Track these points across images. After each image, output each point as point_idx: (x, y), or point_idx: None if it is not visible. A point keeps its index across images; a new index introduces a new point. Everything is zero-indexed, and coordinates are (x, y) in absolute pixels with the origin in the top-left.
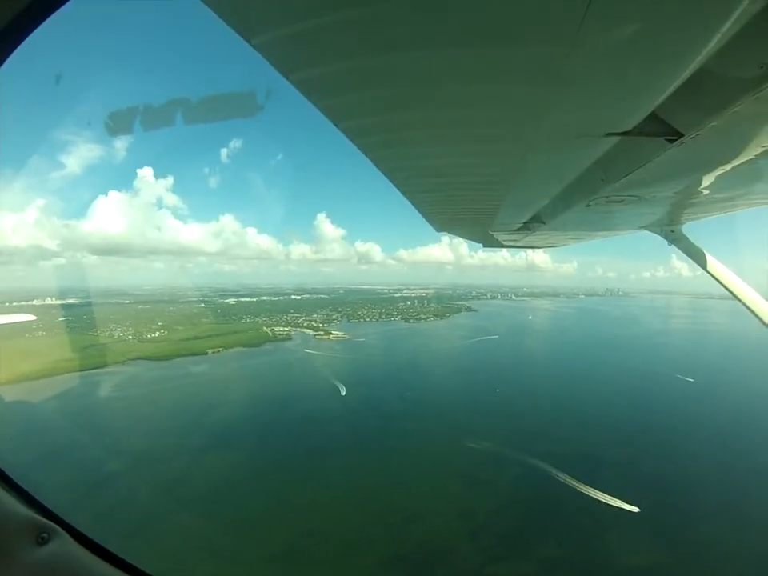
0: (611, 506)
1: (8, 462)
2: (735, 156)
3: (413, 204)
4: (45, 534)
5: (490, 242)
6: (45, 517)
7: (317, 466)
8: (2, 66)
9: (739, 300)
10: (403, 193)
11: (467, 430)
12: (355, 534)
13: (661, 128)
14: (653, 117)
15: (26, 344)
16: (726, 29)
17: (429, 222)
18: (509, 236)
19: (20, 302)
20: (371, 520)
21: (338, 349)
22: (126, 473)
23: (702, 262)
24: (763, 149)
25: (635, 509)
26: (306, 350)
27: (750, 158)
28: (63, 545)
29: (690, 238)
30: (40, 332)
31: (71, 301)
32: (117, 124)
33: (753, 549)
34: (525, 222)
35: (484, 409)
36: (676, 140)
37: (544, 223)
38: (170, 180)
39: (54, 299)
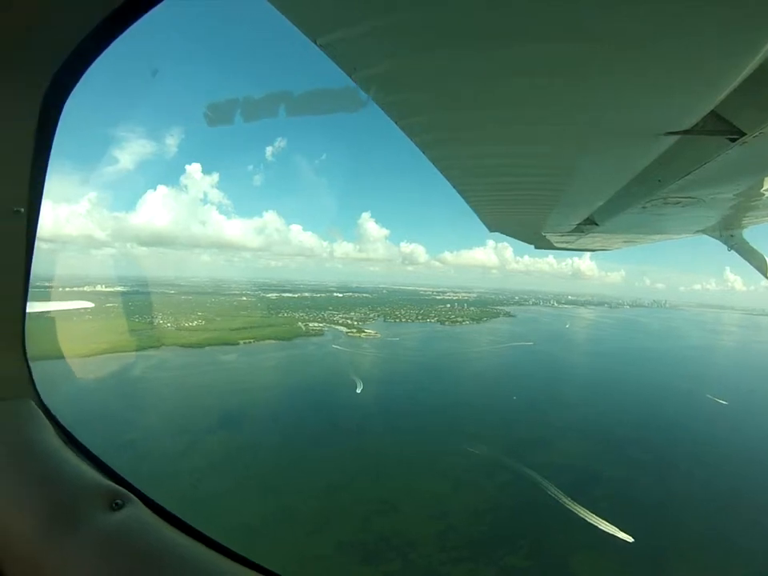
0: (602, 530)
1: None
2: None
3: (468, 203)
4: (118, 500)
5: (542, 244)
6: (116, 483)
7: (308, 453)
8: (89, 67)
9: None
10: (459, 191)
11: (470, 433)
12: (324, 518)
13: (722, 126)
14: (714, 115)
15: (73, 327)
16: None
17: (482, 221)
18: (561, 238)
19: (72, 287)
20: (344, 507)
21: (366, 347)
22: (135, 442)
23: (763, 269)
24: None
25: (629, 538)
26: (334, 346)
27: None
28: (136, 511)
29: (752, 244)
30: (87, 316)
31: (118, 289)
32: (216, 115)
33: None
34: (578, 224)
35: (493, 414)
36: (738, 139)
37: (597, 225)
38: (216, 176)
39: (103, 286)
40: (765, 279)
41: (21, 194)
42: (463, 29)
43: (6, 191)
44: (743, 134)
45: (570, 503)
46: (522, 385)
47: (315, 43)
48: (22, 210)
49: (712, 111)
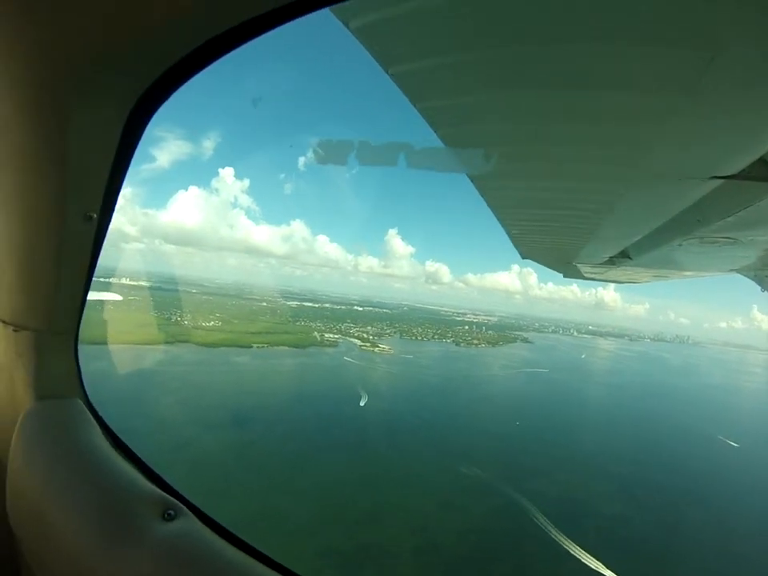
0: (587, 565)
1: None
2: None
3: (506, 231)
4: (171, 511)
5: (571, 273)
6: (166, 493)
7: (302, 459)
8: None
9: None
10: (500, 220)
11: (467, 455)
12: (309, 523)
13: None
14: (761, 161)
15: (94, 316)
16: None
17: (517, 248)
18: (592, 269)
19: (98, 278)
20: (328, 516)
21: (378, 361)
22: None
23: None
24: None
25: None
26: (346, 358)
27: None
28: (188, 522)
29: None
30: (109, 306)
31: (142, 283)
32: (327, 153)
33: None
34: (611, 257)
35: (493, 438)
36: None
37: (630, 259)
38: (247, 182)
39: (128, 279)
40: None
41: (95, 201)
42: (522, 71)
43: (82, 197)
44: None
45: (557, 535)
46: (527, 411)
47: (387, 72)
48: (95, 215)
49: (760, 158)
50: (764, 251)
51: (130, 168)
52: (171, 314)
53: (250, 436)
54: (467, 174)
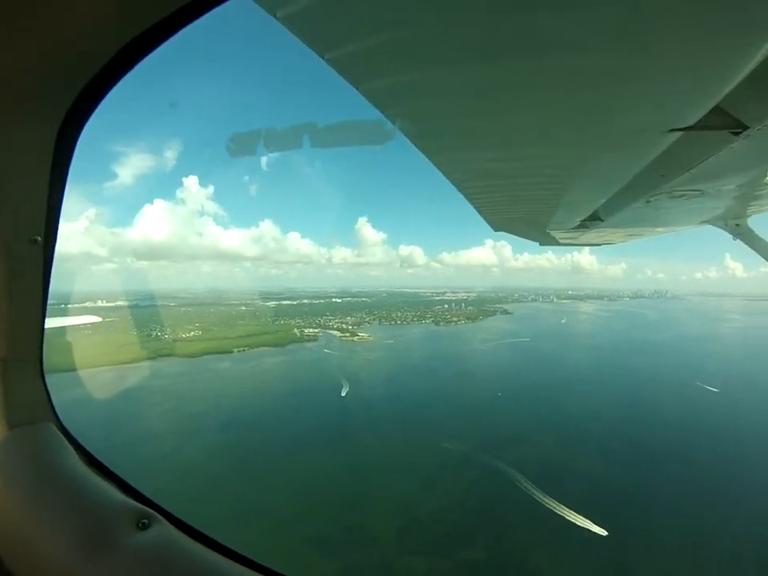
0: (575, 524)
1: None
2: None
3: (473, 205)
4: (144, 520)
5: (547, 241)
6: (140, 502)
7: (287, 452)
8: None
9: None
10: (464, 194)
11: (448, 430)
12: (294, 513)
13: (726, 121)
14: (717, 110)
15: (74, 341)
16: None
17: (487, 221)
18: (566, 234)
19: (73, 304)
20: (315, 503)
21: (358, 350)
22: (125, 447)
23: None
24: None
25: (603, 532)
26: (326, 351)
27: None
28: (163, 530)
29: (758, 231)
30: (86, 331)
31: (119, 303)
32: (239, 146)
33: None
34: (582, 220)
35: (475, 411)
36: (741, 132)
37: (602, 221)
38: (211, 188)
39: (104, 302)
40: (765, 265)
41: (38, 223)
42: (468, 41)
43: (23, 222)
44: (746, 128)
45: (543, 498)
46: (508, 381)
47: (323, 58)
48: (39, 238)
49: (716, 107)
50: (732, 200)
51: (89, 186)
52: (151, 329)
53: (235, 436)
54: (422, 151)
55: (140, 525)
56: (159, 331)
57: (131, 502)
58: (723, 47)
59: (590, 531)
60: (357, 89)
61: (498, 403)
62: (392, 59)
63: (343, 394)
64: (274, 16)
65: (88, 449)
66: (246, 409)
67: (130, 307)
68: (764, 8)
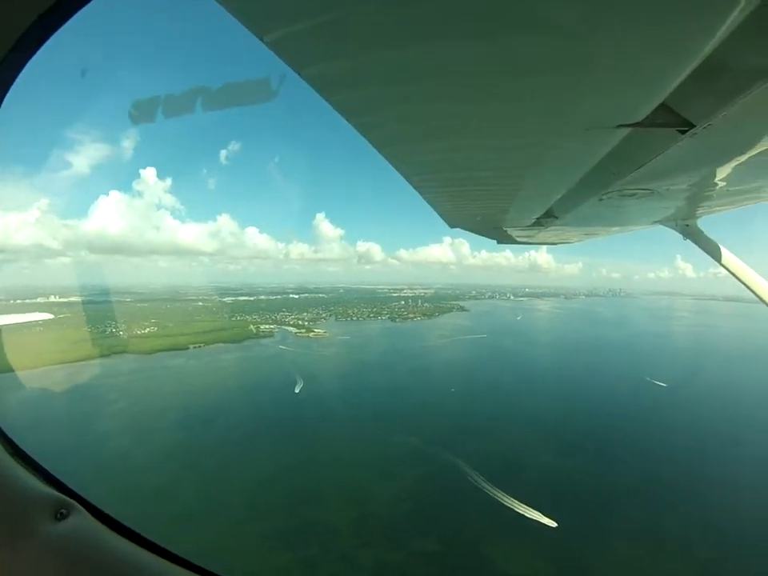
0: (525, 516)
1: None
2: (750, 147)
3: (426, 200)
4: (63, 510)
5: (504, 239)
6: (62, 493)
7: (242, 449)
8: (22, 70)
9: (755, 294)
10: (416, 188)
11: (402, 425)
12: (250, 508)
13: (672, 119)
14: (664, 107)
15: (22, 340)
16: (736, 15)
17: (442, 217)
18: (522, 232)
19: (24, 299)
20: (272, 499)
21: (313, 346)
22: (79, 448)
23: (717, 257)
24: None
25: (552, 523)
26: (281, 347)
27: (766, 147)
28: (81, 520)
29: (706, 233)
30: (38, 328)
31: (73, 299)
32: (140, 113)
33: None
34: (538, 218)
35: (429, 407)
36: (688, 131)
37: (557, 218)
38: (169, 181)
39: (57, 297)
40: (714, 266)
41: None
42: (417, 24)
43: None
44: (693, 126)
45: (493, 490)
46: (461, 377)
47: (262, 40)
48: None
49: (662, 104)
50: (681, 200)
51: (40, 176)
52: (106, 326)
53: (189, 433)
54: (371, 142)
55: (58, 515)
56: (114, 328)
57: (52, 492)
58: (667, 43)
59: (540, 522)
60: (299, 74)
61: (451, 398)
62: (334, 42)
63: (297, 391)
64: None
65: (12, 439)
66: (201, 405)
67: (84, 303)
68: (706, 7)
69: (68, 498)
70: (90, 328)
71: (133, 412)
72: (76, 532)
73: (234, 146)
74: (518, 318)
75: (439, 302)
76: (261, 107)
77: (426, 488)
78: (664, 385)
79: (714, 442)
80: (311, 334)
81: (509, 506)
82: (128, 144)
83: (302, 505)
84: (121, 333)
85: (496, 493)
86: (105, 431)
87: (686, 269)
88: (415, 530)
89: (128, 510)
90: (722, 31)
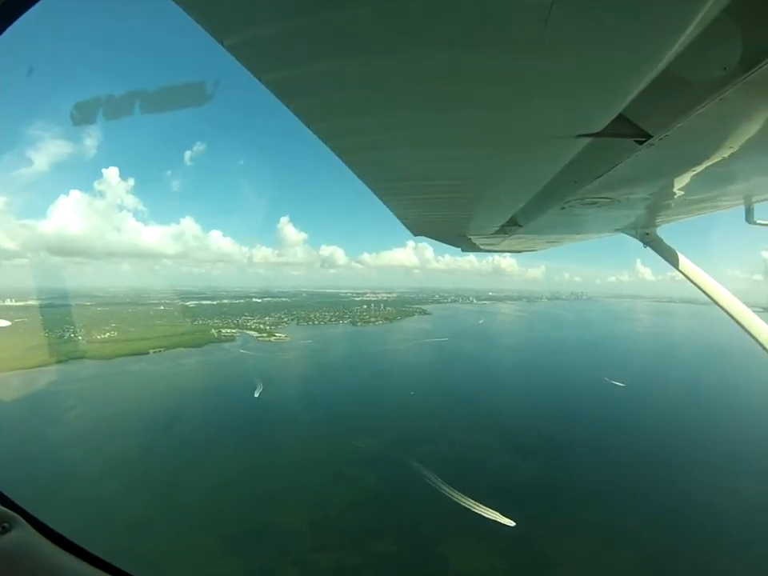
0: (483, 516)
1: None
2: (705, 158)
3: (389, 208)
4: (5, 524)
5: (468, 247)
6: (5, 506)
7: (201, 455)
8: None
9: (710, 297)
10: (379, 196)
11: (361, 429)
12: (209, 514)
13: (630, 129)
14: (622, 118)
15: None
16: (690, 31)
17: (406, 226)
18: (486, 240)
19: None
20: (229, 504)
21: (274, 350)
22: (29, 458)
23: (675, 264)
24: (732, 150)
25: (510, 522)
26: (242, 351)
27: (720, 159)
28: (24, 534)
29: (665, 240)
30: None
31: (30, 302)
32: (81, 114)
33: None
34: (501, 226)
35: (388, 409)
36: (645, 141)
37: (520, 226)
38: (132, 181)
39: (14, 301)
40: (672, 270)
41: None
42: (378, 33)
43: None
44: (650, 137)
45: (451, 492)
46: (422, 380)
47: (222, 45)
48: None
49: (620, 115)
50: (641, 209)
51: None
52: (64, 330)
53: (147, 439)
54: (332, 149)
55: (0, 529)
56: (73, 332)
57: None
58: (624, 56)
59: (498, 522)
60: (260, 80)
61: (411, 401)
62: (294, 48)
63: (257, 395)
64: None
65: None
66: (159, 411)
67: (42, 307)
68: (662, 19)
69: (10, 512)
70: (48, 333)
71: (90, 418)
72: (17, 546)
73: (199, 147)
74: (480, 322)
75: (402, 306)
76: (227, 109)
77: (384, 490)
78: (622, 385)
79: (669, 439)
80: (272, 338)
81: (466, 506)
82: (90, 142)
83: (259, 509)
84: (80, 338)
85: (454, 494)
86: (60, 439)
87: (646, 273)
88: (373, 532)
89: (79, 520)
90: (677, 46)
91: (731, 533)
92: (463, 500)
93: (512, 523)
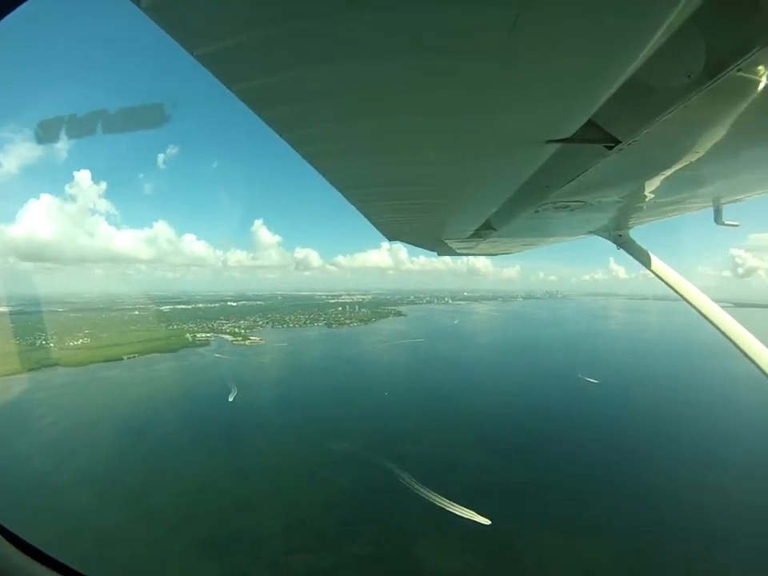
0: (458, 515)
1: None
2: (674, 162)
3: (363, 214)
4: None
5: (444, 251)
6: None
7: (174, 461)
8: None
9: (681, 296)
10: (352, 203)
11: (335, 431)
12: (184, 519)
13: (599, 135)
14: (591, 124)
15: None
16: (655, 40)
17: (381, 231)
18: (462, 244)
19: None
20: (203, 509)
21: (249, 354)
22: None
23: (647, 265)
24: (699, 155)
25: (486, 521)
26: (217, 355)
27: (688, 163)
28: None
29: (638, 242)
30: None
31: (1, 309)
32: (45, 132)
33: None
34: (476, 230)
35: (363, 411)
36: (614, 146)
37: (495, 230)
38: (104, 185)
39: None
40: (645, 269)
41: None
42: (348, 41)
43: None
44: (619, 142)
45: (426, 492)
46: (396, 381)
47: (192, 54)
48: None
49: (590, 121)
50: (613, 212)
51: None
52: (35, 338)
53: (118, 447)
54: (304, 157)
55: None
56: (45, 340)
57: None
58: (592, 63)
59: (474, 521)
60: (230, 89)
61: (385, 403)
62: (263, 58)
63: (231, 399)
64: (138, 5)
65: None
66: (133, 417)
67: (12, 314)
68: (627, 27)
69: None
70: (19, 340)
71: (62, 427)
72: None
73: (173, 150)
74: (455, 322)
75: (377, 308)
76: (201, 112)
77: (359, 492)
78: (596, 381)
79: (642, 434)
80: (247, 342)
81: (441, 506)
82: (61, 145)
83: (233, 513)
84: (52, 345)
85: (428, 494)
86: (31, 449)
87: (619, 271)
88: (347, 534)
89: (52, 531)
90: (643, 54)
91: (707, 527)
92: (438, 500)
93: (488, 522)
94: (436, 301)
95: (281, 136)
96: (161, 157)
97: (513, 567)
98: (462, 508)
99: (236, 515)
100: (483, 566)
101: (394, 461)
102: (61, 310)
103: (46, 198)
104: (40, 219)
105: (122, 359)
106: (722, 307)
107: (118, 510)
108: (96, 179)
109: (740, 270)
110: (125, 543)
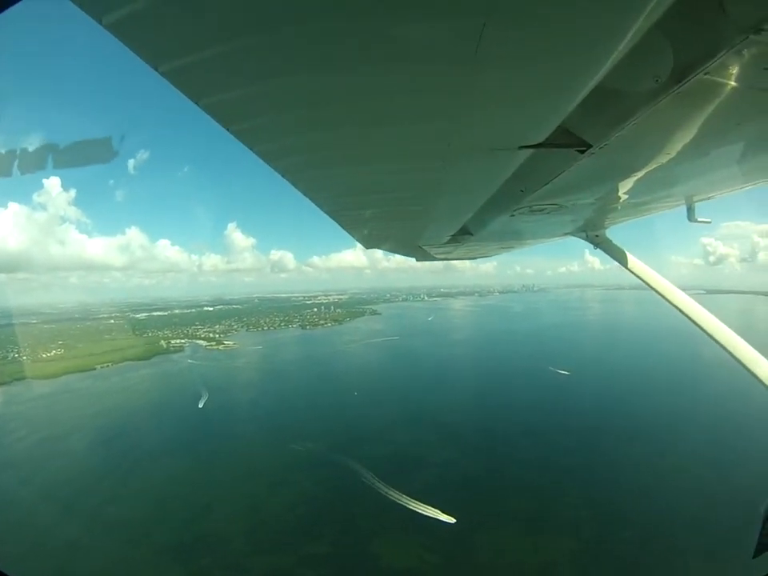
0: (422, 514)
1: None
2: (645, 164)
3: (338, 223)
4: None
5: (422, 256)
6: None
7: (139, 468)
8: None
9: (657, 292)
10: (327, 212)
11: (300, 432)
12: (146, 525)
13: (571, 140)
14: (563, 129)
15: None
16: (623, 47)
17: (357, 239)
18: (439, 249)
19: None
20: (167, 515)
21: (222, 358)
22: None
23: (624, 263)
24: (669, 156)
25: (451, 519)
26: (190, 361)
27: (659, 165)
28: None
29: (614, 240)
30: None
31: None
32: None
33: None
34: (453, 235)
35: (329, 411)
36: (586, 151)
37: (472, 235)
38: (73, 192)
39: None
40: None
41: None
42: (315, 52)
43: None
44: (590, 146)
45: (389, 491)
46: (367, 380)
47: (157, 71)
48: None
49: (561, 126)
50: (588, 213)
51: None
52: (7, 351)
53: (86, 459)
54: (276, 169)
55: None
56: (17, 352)
57: None
58: (561, 70)
59: (438, 520)
60: (197, 104)
61: (354, 402)
62: (229, 72)
63: (201, 405)
64: (100, 22)
65: None
66: (102, 427)
67: None
68: (595, 34)
69: None
70: None
71: (31, 441)
72: None
73: (143, 155)
74: (430, 319)
75: (352, 307)
76: (170, 117)
77: (321, 493)
78: (567, 373)
79: (611, 426)
80: (221, 347)
81: (404, 504)
82: (31, 151)
83: (196, 518)
84: (24, 357)
85: (392, 493)
86: (2, 463)
87: (594, 262)
88: (308, 534)
89: (17, 547)
90: (611, 60)
91: (676, 516)
92: (402, 499)
93: (452, 520)
94: (412, 298)
95: (252, 150)
96: (131, 162)
97: (470, 562)
98: (427, 507)
99: (199, 520)
100: (440, 561)
101: (358, 460)
102: (34, 321)
103: (13, 206)
104: (8, 228)
105: (95, 369)
106: (694, 294)
107: (81, 523)
108: (65, 186)
109: (711, 258)
110: (92, 553)
